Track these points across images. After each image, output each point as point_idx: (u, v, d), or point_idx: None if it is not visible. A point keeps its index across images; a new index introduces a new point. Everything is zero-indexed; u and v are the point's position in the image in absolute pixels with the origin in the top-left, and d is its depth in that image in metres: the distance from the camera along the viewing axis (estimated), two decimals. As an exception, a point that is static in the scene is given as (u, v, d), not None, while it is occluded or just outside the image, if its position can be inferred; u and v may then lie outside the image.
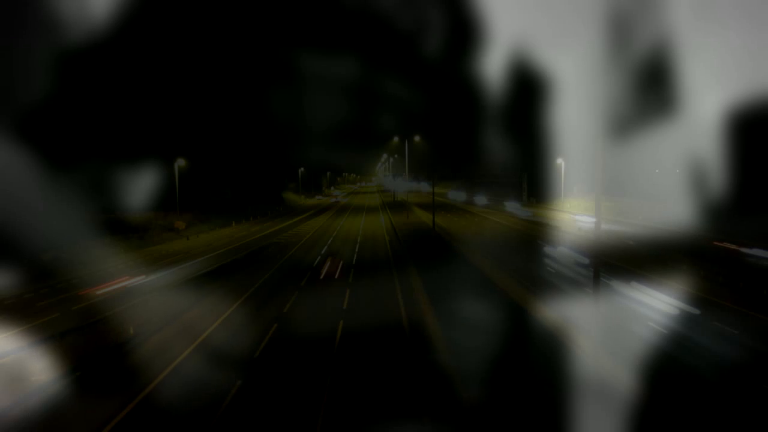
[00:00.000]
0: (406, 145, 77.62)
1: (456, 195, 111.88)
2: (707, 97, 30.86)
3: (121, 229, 49.13)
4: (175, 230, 56.88)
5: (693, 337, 18.84)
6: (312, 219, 76.97)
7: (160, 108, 63.99)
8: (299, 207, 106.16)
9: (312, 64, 66.89)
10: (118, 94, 54.23)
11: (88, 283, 28.65)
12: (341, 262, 35.38)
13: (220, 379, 16.15)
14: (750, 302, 22.99)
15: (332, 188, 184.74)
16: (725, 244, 36.41)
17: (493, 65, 34.51)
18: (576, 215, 58.91)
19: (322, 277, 31.69)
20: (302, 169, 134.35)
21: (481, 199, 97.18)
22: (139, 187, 51.69)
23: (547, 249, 37.40)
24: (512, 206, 79.35)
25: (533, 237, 47.24)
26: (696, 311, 21.08)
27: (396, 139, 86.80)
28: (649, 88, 31.02)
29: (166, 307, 24.36)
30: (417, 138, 74.85)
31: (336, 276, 31.77)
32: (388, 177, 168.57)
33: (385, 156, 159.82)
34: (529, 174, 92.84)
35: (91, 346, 19.04)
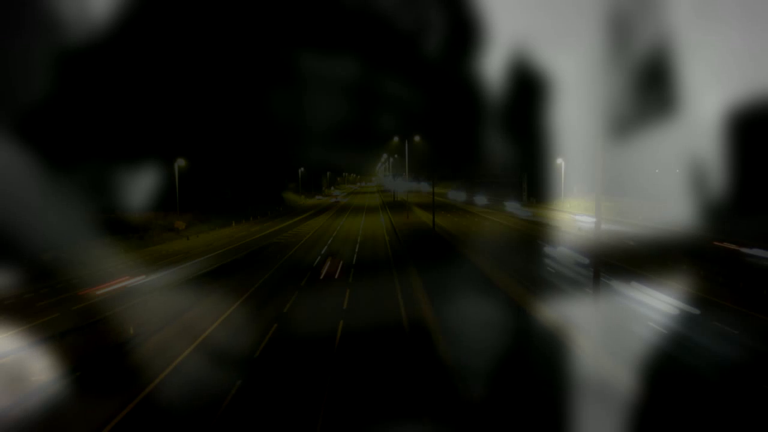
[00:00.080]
0: (406, 145, 77.64)
1: (456, 195, 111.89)
2: (707, 97, 30.86)
3: (121, 229, 49.12)
4: (175, 230, 56.88)
5: (693, 337, 18.83)
6: (312, 219, 76.97)
7: (160, 108, 64.05)
8: (299, 207, 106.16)
9: (312, 64, 66.95)
10: (118, 94, 54.29)
11: (88, 283, 28.65)
12: (341, 262, 35.37)
13: (220, 379, 16.14)
14: (750, 302, 22.98)
15: (332, 188, 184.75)
16: (725, 244, 36.40)
17: (492, 65, 34.51)
18: (576, 215, 58.92)
19: (322, 277, 31.68)
20: (302, 169, 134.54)
21: (481, 199, 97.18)
22: (139, 187, 51.71)
23: (547, 249, 37.41)
24: (512, 206, 79.33)
25: (533, 237, 47.24)
26: (696, 311, 21.07)
27: (396, 139, 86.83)
28: (650, 87, 31.01)
29: (166, 307, 24.35)
30: (417, 138, 74.85)
31: (336, 276, 31.76)
32: (388, 177, 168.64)
33: (385, 156, 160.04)
34: (529, 174, 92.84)
35: (91, 346, 19.04)
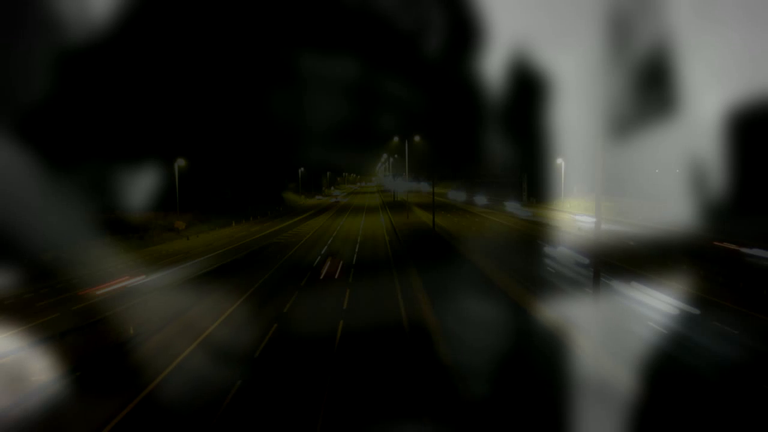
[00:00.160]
0: (406, 145, 77.67)
1: (456, 195, 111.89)
2: (707, 97, 30.84)
3: (121, 229, 49.15)
4: (175, 230, 56.88)
5: (693, 337, 18.83)
6: (312, 219, 76.97)
7: (160, 108, 64.07)
8: (299, 207, 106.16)
9: (312, 64, 66.94)
10: (118, 94, 54.30)
11: (88, 283, 28.66)
12: (341, 262, 35.38)
13: (220, 379, 16.14)
14: (750, 302, 22.99)
15: (332, 188, 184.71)
16: (725, 244, 36.40)
17: (492, 65, 34.49)
18: (576, 215, 58.93)
19: (322, 277, 31.69)
20: (302, 169, 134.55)
21: (481, 199, 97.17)
22: (139, 187, 51.71)
23: (547, 249, 37.42)
24: (512, 206, 79.35)
25: (533, 237, 47.25)
26: (696, 311, 21.08)
27: (396, 139, 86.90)
28: (649, 87, 31.00)
29: (166, 307, 24.36)
30: (417, 138, 74.88)
31: (336, 276, 31.77)
32: (388, 177, 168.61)
33: (385, 156, 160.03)
34: (529, 174, 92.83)
35: (91, 346, 19.04)
